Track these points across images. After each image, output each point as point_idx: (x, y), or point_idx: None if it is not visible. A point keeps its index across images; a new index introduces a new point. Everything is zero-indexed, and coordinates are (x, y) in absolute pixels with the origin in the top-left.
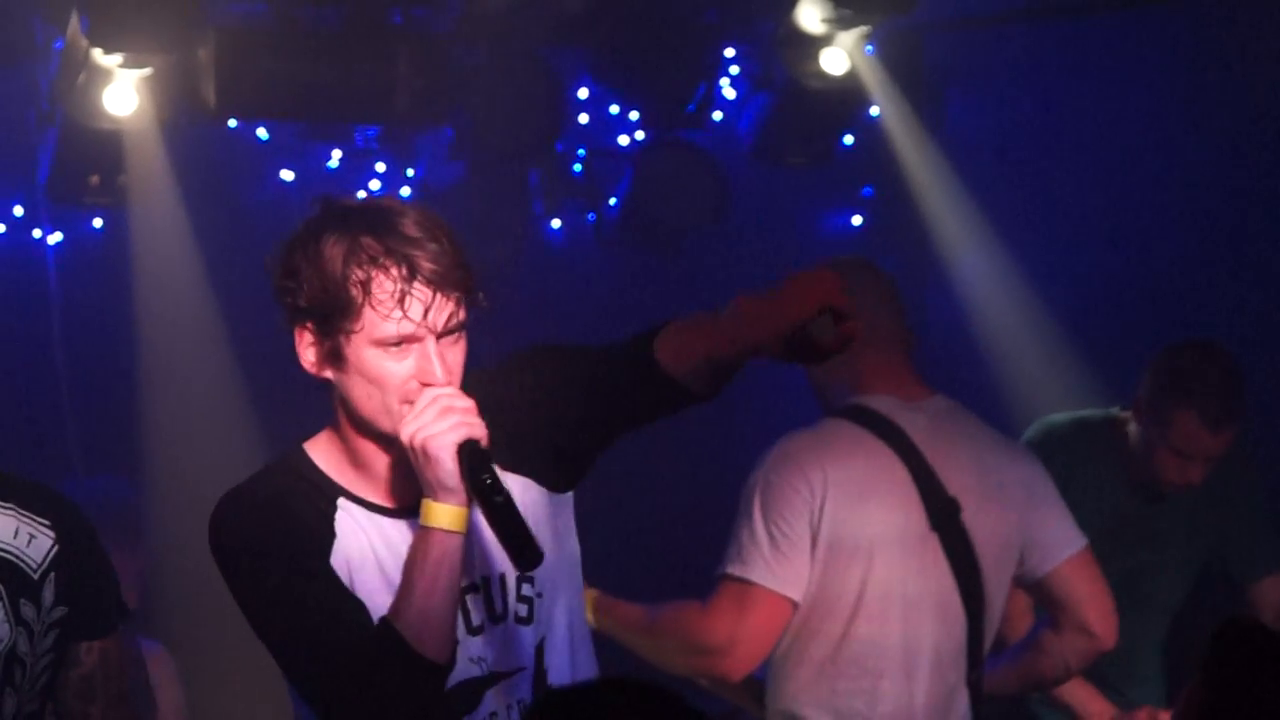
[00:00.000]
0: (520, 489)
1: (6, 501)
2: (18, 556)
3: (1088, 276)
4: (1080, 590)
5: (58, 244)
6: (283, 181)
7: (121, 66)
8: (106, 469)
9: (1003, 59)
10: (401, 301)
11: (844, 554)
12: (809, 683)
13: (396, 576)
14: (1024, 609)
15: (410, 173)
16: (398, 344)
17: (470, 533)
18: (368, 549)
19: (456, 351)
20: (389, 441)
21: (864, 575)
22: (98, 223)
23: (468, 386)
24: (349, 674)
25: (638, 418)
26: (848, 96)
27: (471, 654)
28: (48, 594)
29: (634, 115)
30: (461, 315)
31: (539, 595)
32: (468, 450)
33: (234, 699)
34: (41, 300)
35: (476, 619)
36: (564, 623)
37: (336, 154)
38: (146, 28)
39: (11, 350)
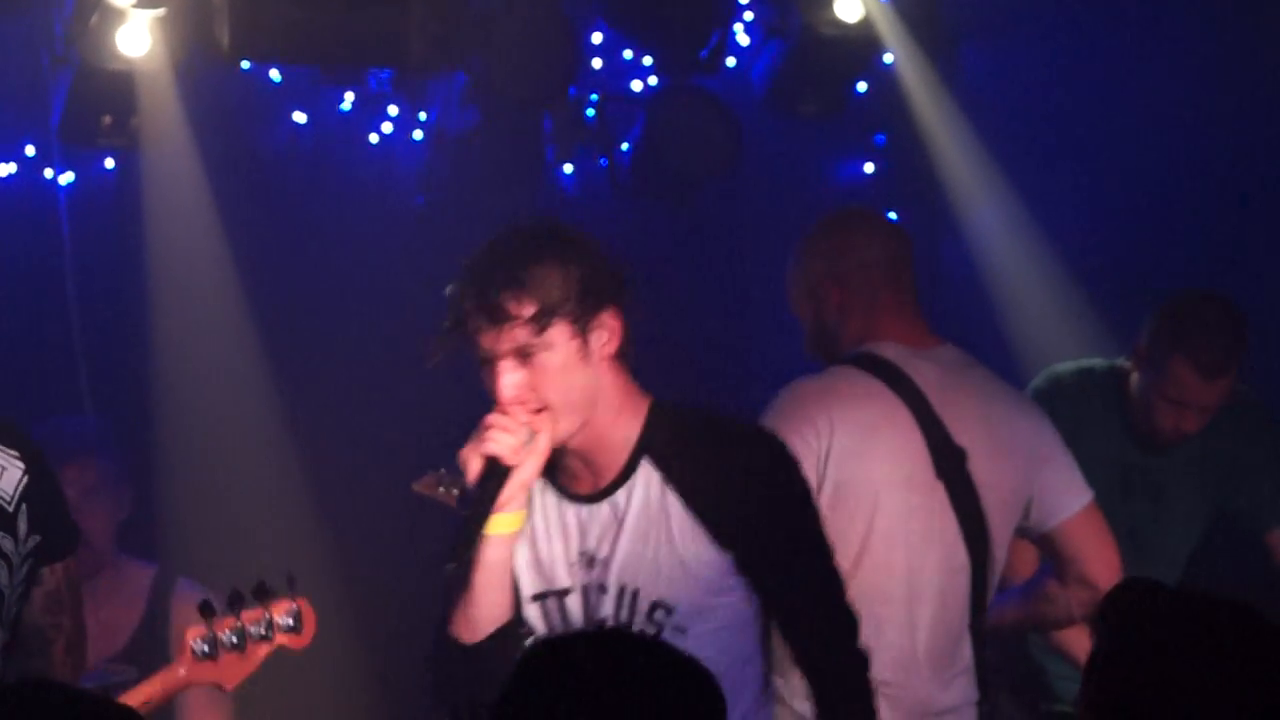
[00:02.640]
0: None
1: None
2: None
3: (1101, 229)
4: (1086, 544)
5: (69, 184)
6: (295, 124)
7: (135, 7)
8: (116, 411)
9: (1021, 8)
10: (470, 326)
11: (849, 499)
12: None
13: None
14: (1031, 553)
15: (423, 116)
16: (484, 363)
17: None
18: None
19: (533, 369)
20: None
21: (868, 522)
22: (109, 163)
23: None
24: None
25: None
26: (862, 44)
27: None
28: (22, 525)
29: (648, 61)
30: (527, 337)
31: (679, 629)
32: (488, 465)
33: None
34: (53, 240)
35: (593, 615)
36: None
37: (349, 97)
38: None
39: (24, 290)
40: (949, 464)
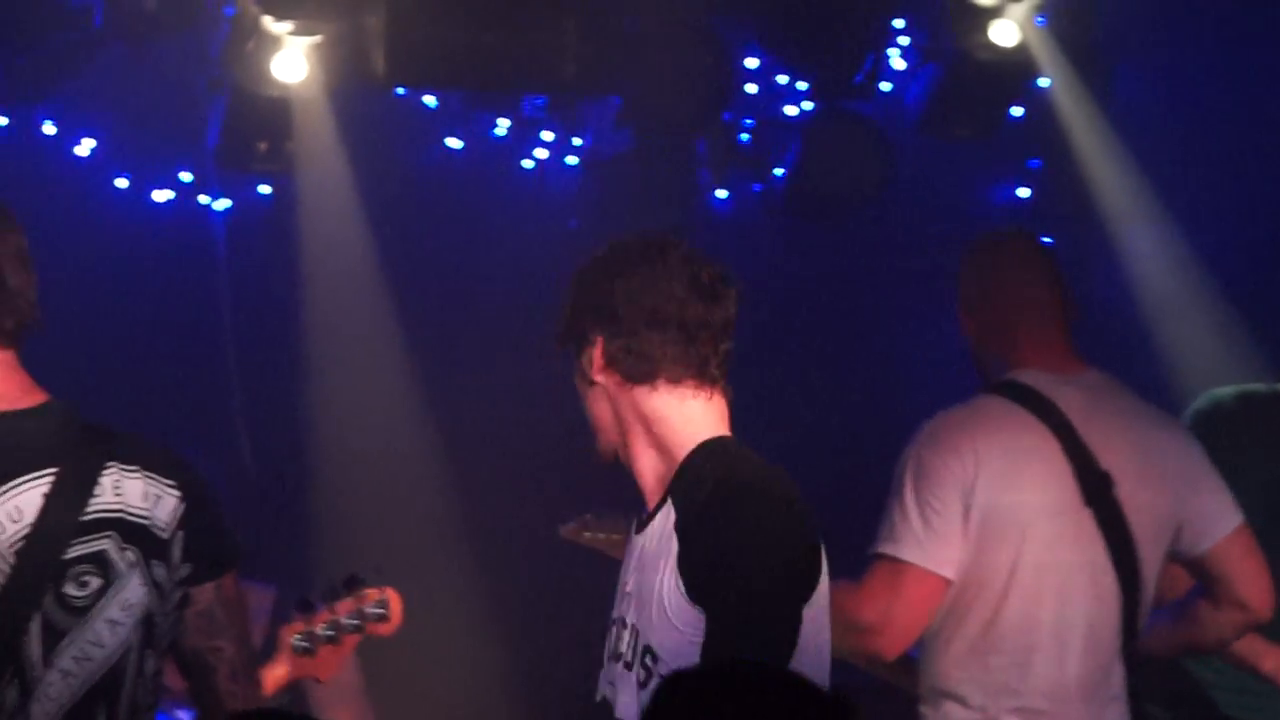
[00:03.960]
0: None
1: (133, 465)
2: (149, 520)
3: (1259, 254)
4: (1237, 567)
5: (226, 210)
6: (449, 149)
7: (291, 34)
8: (271, 439)
9: (1179, 31)
10: None
11: (997, 531)
12: (962, 659)
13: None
14: (1182, 574)
15: (577, 141)
16: None
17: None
18: None
19: (583, 394)
20: None
21: (1017, 551)
22: (265, 189)
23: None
24: None
25: None
26: (1017, 68)
27: (607, 678)
28: (176, 552)
29: (802, 85)
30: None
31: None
32: None
33: None
34: (210, 266)
35: (617, 649)
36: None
37: (504, 122)
38: None
39: (181, 316)
40: (1096, 490)
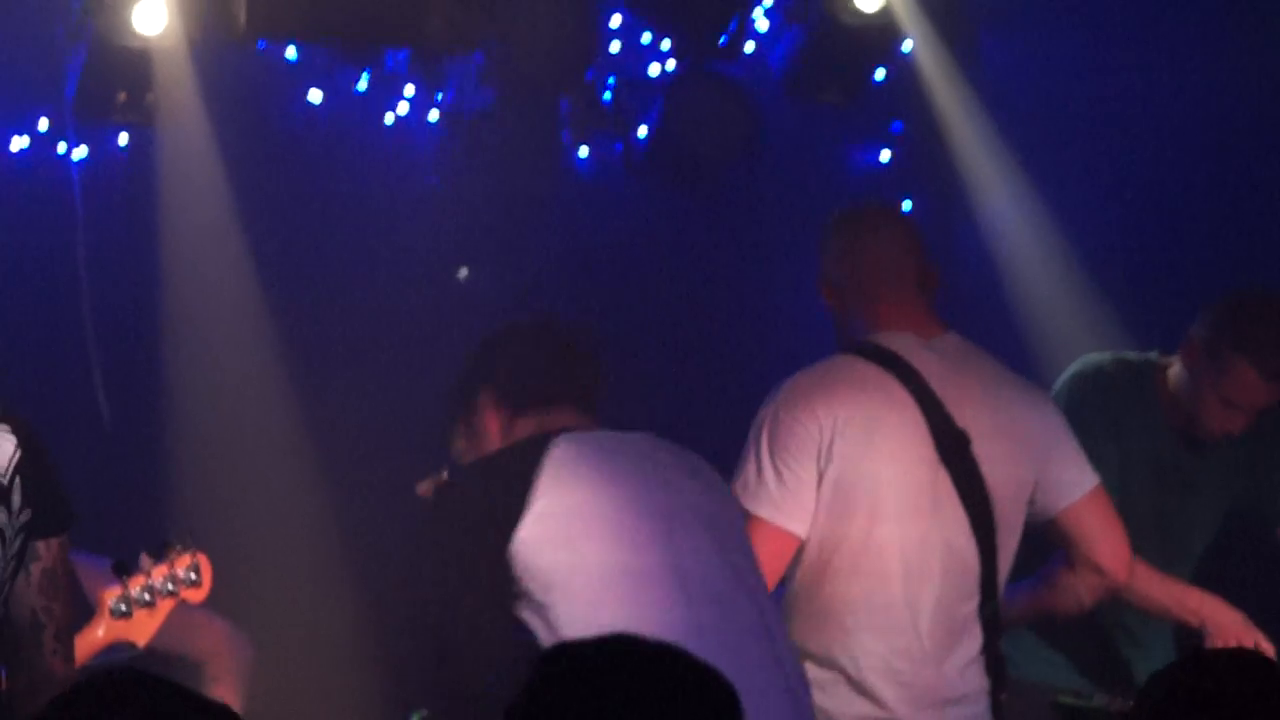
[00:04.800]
0: None
1: None
2: None
3: (1116, 224)
4: (1093, 528)
5: (82, 159)
6: (310, 103)
7: None
8: (127, 391)
9: (1045, 2)
10: None
11: (852, 490)
12: (818, 618)
13: None
14: None
15: (439, 97)
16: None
17: None
18: None
19: None
20: None
21: (872, 511)
22: (123, 139)
23: None
24: None
25: None
26: (881, 32)
27: None
28: (15, 498)
29: (666, 45)
30: None
31: None
32: None
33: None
34: (66, 215)
35: None
36: None
37: (366, 76)
38: None
39: (34, 264)
40: (952, 450)
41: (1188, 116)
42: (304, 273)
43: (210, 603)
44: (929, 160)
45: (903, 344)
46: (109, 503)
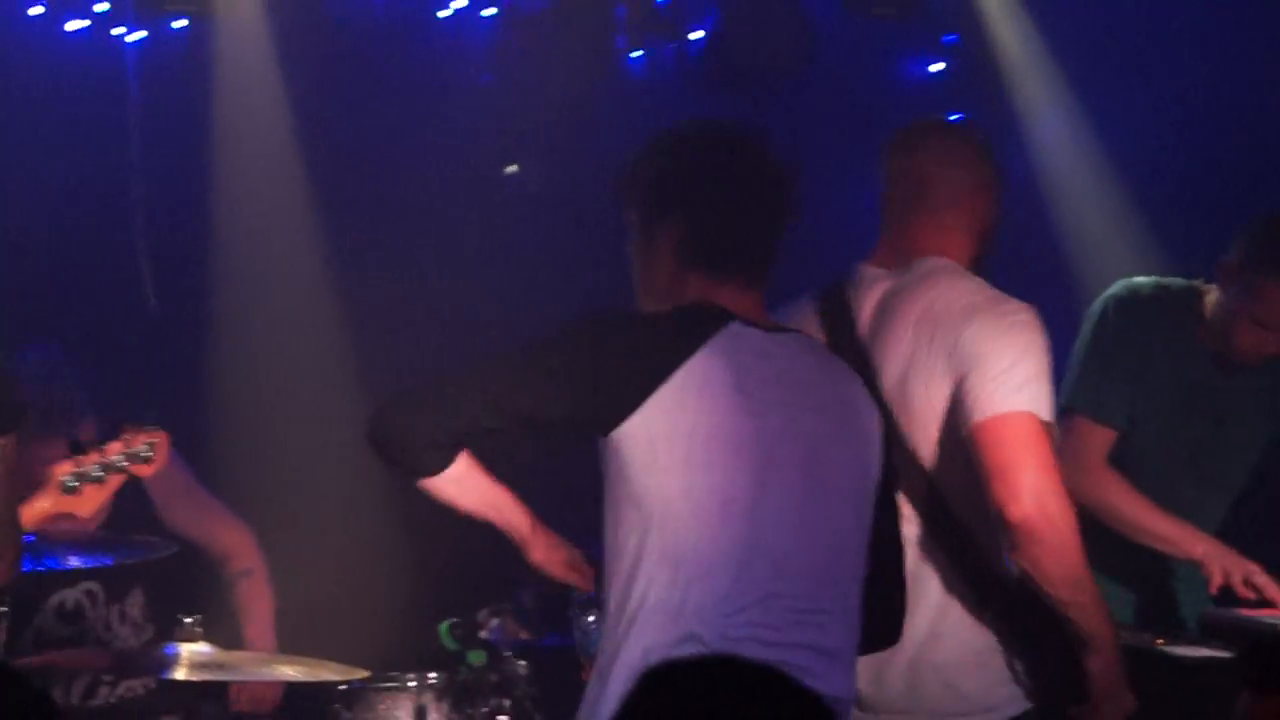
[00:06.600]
0: None
1: None
2: None
3: (1167, 149)
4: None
5: (138, 43)
6: None
7: None
8: (174, 276)
9: None
10: None
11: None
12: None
13: None
14: None
15: None
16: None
17: None
18: None
19: None
20: None
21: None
22: (180, 24)
23: None
24: None
25: None
26: None
27: None
28: None
29: None
30: None
31: None
32: None
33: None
34: (119, 98)
35: None
36: None
37: None
38: None
39: (88, 145)
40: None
41: (1239, 38)
42: (352, 162)
43: (245, 501)
44: (980, 75)
45: (871, 275)
46: (151, 386)
